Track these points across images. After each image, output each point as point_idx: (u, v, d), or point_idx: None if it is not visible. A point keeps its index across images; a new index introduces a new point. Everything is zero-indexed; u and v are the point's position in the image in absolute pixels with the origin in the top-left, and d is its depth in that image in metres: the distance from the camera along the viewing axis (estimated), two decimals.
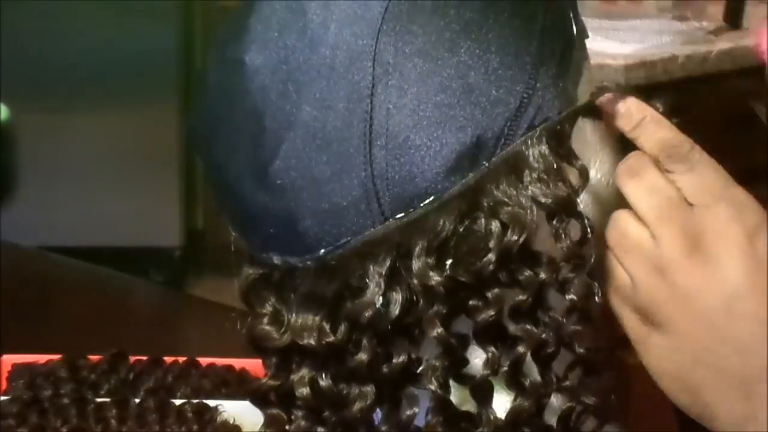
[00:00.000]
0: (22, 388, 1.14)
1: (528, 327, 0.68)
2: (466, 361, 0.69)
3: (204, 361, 1.19)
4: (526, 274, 0.67)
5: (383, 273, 0.67)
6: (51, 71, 2.93)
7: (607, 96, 0.68)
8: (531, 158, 0.67)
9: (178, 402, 1.10)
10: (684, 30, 2.24)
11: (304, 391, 0.71)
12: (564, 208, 0.67)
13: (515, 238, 0.67)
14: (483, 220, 0.67)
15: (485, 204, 0.67)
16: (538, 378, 0.69)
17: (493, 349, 0.68)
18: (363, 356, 0.68)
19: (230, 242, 0.73)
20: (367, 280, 0.67)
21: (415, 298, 0.67)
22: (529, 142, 0.67)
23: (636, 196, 0.68)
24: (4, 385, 1.16)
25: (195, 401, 1.10)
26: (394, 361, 0.69)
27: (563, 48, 0.68)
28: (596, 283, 0.68)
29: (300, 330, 0.70)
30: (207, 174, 0.73)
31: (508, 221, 0.67)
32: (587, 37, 0.71)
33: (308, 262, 0.69)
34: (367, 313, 0.67)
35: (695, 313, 0.66)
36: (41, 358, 1.18)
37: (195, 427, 1.07)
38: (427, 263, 0.67)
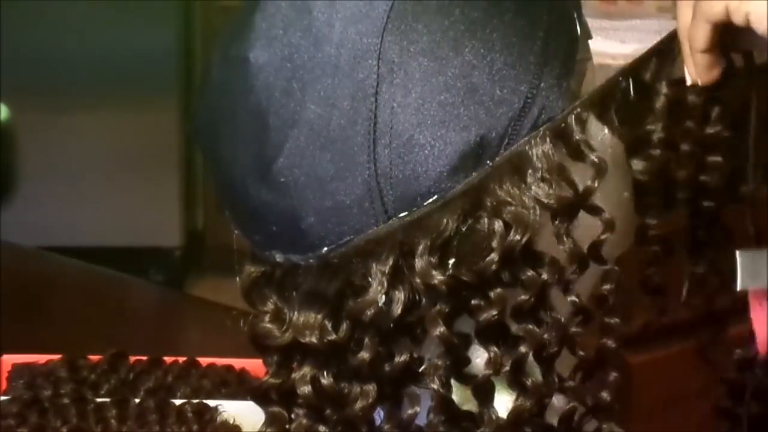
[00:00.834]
0: (22, 388, 1.14)
1: (530, 327, 0.68)
2: (467, 361, 0.69)
3: (204, 361, 1.19)
4: (529, 274, 0.68)
5: (386, 271, 0.67)
6: (51, 71, 2.93)
7: None
8: (534, 158, 0.67)
9: (178, 402, 1.10)
10: None
11: (306, 389, 0.71)
12: (567, 209, 0.67)
13: (518, 238, 0.67)
14: (486, 220, 0.67)
15: (488, 203, 0.67)
16: (540, 378, 0.69)
17: (495, 348, 0.68)
18: (365, 355, 0.68)
19: (230, 242, 0.73)
20: (370, 279, 0.67)
21: (417, 297, 0.67)
22: (533, 142, 0.67)
23: None
24: (4, 385, 1.16)
25: (195, 401, 1.10)
26: (396, 359, 0.69)
27: (567, 48, 0.68)
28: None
29: (302, 328, 0.70)
30: (210, 171, 0.73)
31: (511, 221, 0.67)
32: (591, 37, 0.71)
33: (311, 260, 0.69)
34: (370, 312, 0.67)
35: None
36: (41, 358, 1.18)
37: (195, 427, 1.07)
38: (430, 262, 0.67)
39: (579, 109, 0.68)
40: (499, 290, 0.68)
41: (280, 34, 0.68)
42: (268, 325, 0.72)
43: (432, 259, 0.67)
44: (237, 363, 1.18)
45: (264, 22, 0.69)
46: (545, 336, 0.68)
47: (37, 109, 2.87)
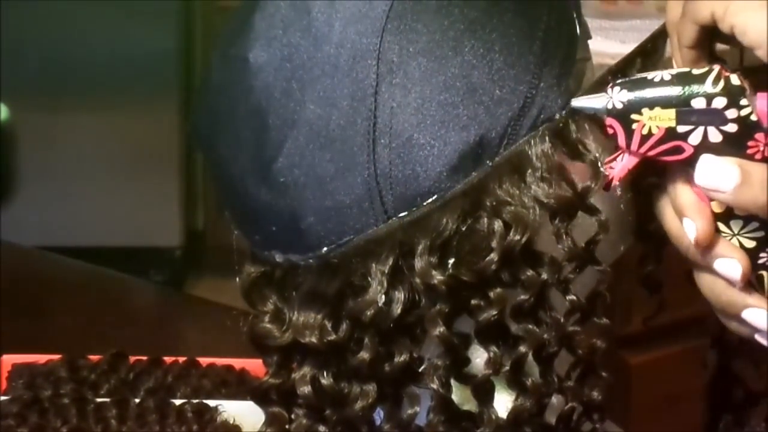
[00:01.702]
0: (22, 388, 1.14)
1: (530, 327, 0.68)
2: (467, 361, 0.69)
3: (204, 361, 1.19)
4: (528, 273, 0.68)
5: (386, 271, 0.67)
6: (51, 71, 2.93)
7: None
8: (534, 158, 0.67)
9: (178, 402, 1.10)
10: None
11: (306, 389, 0.71)
12: (566, 208, 0.67)
13: (518, 237, 0.67)
14: (486, 220, 0.67)
15: (488, 203, 0.67)
16: (540, 378, 0.69)
17: (494, 348, 0.68)
18: (365, 355, 0.68)
19: (230, 242, 0.73)
20: (370, 279, 0.67)
21: (417, 296, 0.68)
22: (532, 141, 0.67)
23: None
24: (4, 385, 1.16)
25: (195, 401, 1.10)
26: (396, 359, 0.69)
27: (567, 48, 0.68)
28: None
29: (302, 328, 0.70)
30: (209, 172, 0.73)
31: (511, 221, 0.67)
32: (591, 37, 0.71)
33: (310, 261, 0.69)
34: (369, 312, 0.67)
35: None
36: (41, 358, 1.18)
37: (195, 427, 1.07)
38: (430, 262, 0.67)
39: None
40: (498, 290, 0.68)
41: (280, 34, 0.68)
42: (268, 325, 0.72)
43: (432, 259, 0.67)
44: (237, 363, 1.18)
45: (263, 22, 0.69)
46: (545, 336, 0.68)
47: (37, 109, 2.87)
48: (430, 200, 0.66)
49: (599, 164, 0.67)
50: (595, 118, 0.67)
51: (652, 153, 0.64)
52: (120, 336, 1.37)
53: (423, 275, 0.67)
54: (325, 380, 0.70)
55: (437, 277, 0.67)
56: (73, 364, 1.17)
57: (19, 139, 2.45)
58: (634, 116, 0.64)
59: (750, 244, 0.65)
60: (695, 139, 0.63)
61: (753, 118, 0.62)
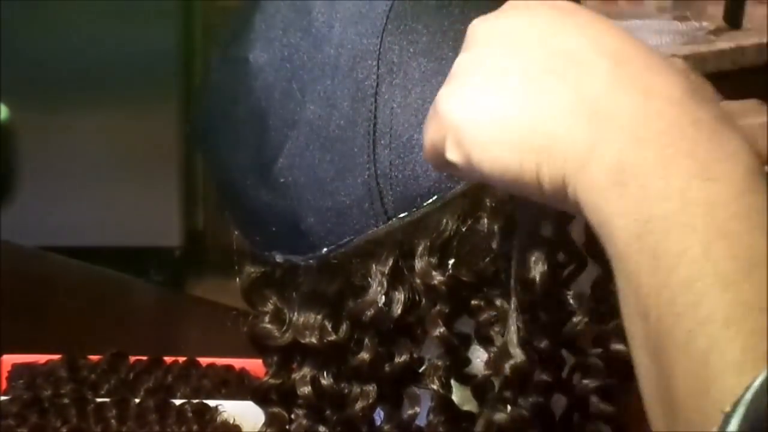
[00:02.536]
0: (22, 388, 1.14)
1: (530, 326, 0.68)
2: (467, 361, 0.69)
3: (204, 361, 1.19)
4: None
5: (386, 272, 0.67)
6: (51, 71, 2.93)
7: None
8: None
9: (178, 402, 1.10)
10: (684, 30, 2.24)
11: (306, 389, 0.71)
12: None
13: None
14: (486, 220, 0.67)
15: (488, 204, 0.67)
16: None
17: (495, 348, 0.68)
18: (365, 355, 0.68)
19: (231, 242, 0.73)
20: (370, 279, 0.67)
21: (417, 297, 0.67)
22: None
23: None
24: (4, 385, 1.16)
25: (195, 401, 1.10)
26: (396, 360, 0.69)
27: None
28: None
29: (302, 328, 0.70)
30: (209, 172, 0.73)
31: (511, 221, 0.67)
32: None
33: (311, 261, 0.69)
34: (370, 312, 0.67)
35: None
36: (41, 358, 1.18)
37: (195, 427, 1.07)
38: (430, 262, 0.67)
39: None
40: (499, 290, 0.68)
41: (280, 34, 0.68)
42: (268, 326, 0.72)
43: (432, 259, 0.67)
44: (237, 363, 1.18)
45: (263, 23, 0.69)
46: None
47: (37, 109, 2.87)
48: (430, 201, 0.66)
49: None
50: None
51: None
52: (120, 336, 1.37)
53: (423, 276, 0.67)
54: (326, 380, 0.70)
55: (437, 277, 0.67)
56: (73, 364, 1.17)
57: (19, 139, 2.44)
58: None
59: None
60: None
61: None
